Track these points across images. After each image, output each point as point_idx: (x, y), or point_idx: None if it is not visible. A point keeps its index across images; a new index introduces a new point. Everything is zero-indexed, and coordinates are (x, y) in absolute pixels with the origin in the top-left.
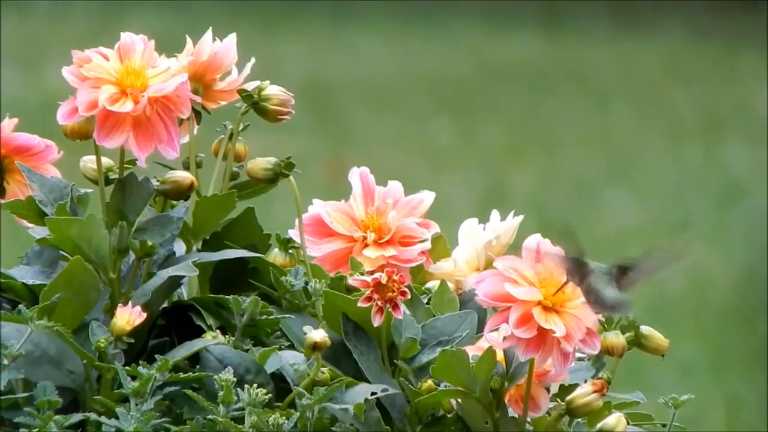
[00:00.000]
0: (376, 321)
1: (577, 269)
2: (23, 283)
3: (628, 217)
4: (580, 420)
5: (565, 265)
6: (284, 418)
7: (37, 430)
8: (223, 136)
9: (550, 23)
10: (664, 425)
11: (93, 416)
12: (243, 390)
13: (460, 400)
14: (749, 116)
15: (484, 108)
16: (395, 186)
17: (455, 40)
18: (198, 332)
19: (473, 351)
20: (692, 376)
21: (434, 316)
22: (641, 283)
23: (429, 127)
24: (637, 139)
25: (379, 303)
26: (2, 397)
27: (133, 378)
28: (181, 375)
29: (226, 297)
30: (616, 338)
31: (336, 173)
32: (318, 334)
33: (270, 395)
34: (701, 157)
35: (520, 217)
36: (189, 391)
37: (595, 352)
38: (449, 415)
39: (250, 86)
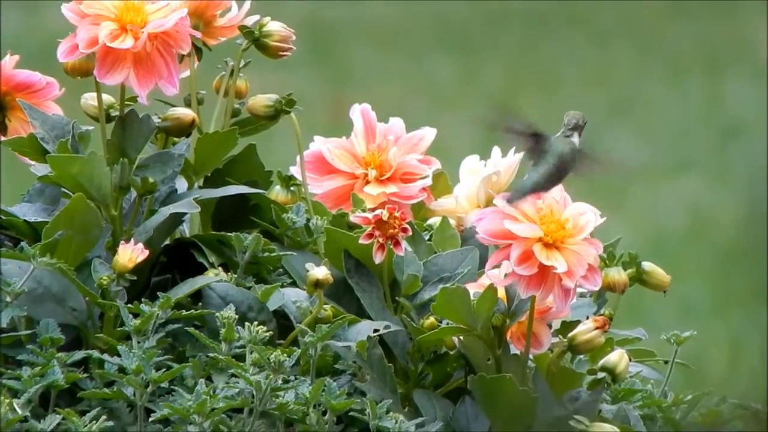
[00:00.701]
0: (378, 258)
1: (535, 140)
2: (25, 220)
3: (631, 155)
4: (582, 357)
5: (525, 140)
6: (285, 355)
7: (40, 367)
8: (224, 72)
9: None
10: (666, 362)
11: (95, 353)
12: (242, 328)
13: (461, 337)
14: (751, 54)
15: (485, 47)
16: (396, 123)
17: None
18: (200, 269)
19: (474, 288)
20: (694, 314)
21: (436, 252)
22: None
23: (429, 66)
24: (638, 78)
25: (381, 240)
26: (5, 335)
27: (136, 315)
28: (184, 312)
29: (228, 234)
30: (618, 274)
31: (336, 111)
32: (320, 272)
33: (272, 332)
34: (703, 95)
35: (521, 154)
36: (191, 329)
37: (597, 289)
38: (451, 353)
39: (251, 22)
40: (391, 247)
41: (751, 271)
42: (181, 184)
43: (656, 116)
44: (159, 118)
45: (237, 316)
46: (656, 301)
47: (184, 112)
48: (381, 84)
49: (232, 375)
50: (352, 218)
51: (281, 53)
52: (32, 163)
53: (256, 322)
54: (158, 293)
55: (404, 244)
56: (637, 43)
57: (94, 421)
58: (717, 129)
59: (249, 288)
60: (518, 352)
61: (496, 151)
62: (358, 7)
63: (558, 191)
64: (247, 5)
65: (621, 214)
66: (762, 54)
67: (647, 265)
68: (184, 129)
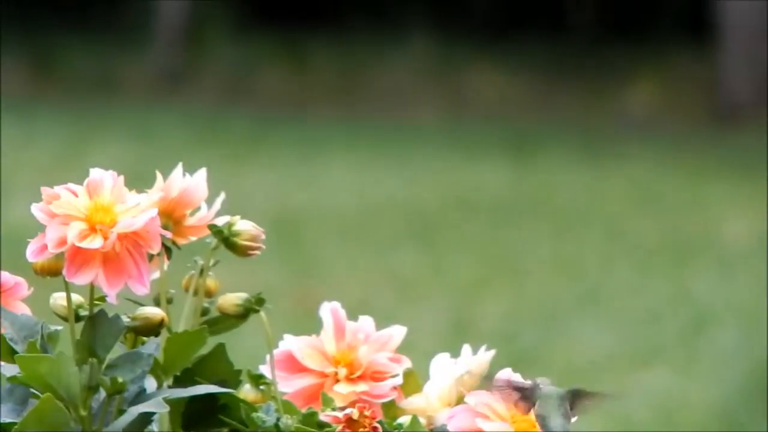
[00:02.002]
0: None
1: (526, 396)
2: None
3: (599, 346)
4: None
5: (515, 393)
6: None
7: None
8: (193, 271)
9: (517, 152)
10: None
11: None
12: None
13: None
14: (718, 245)
15: (451, 238)
16: (366, 321)
17: (421, 169)
18: None
19: None
20: None
21: None
22: (592, 408)
23: (395, 257)
24: (605, 268)
25: None
26: None
27: None
28: None
29: None
30: None
31: (302, 302)
32: None
33: None
34: (670, 286)
35: (492, 352)
36: None
37: None
38: None
39: (221, 221)
40: None
41: None
42: (150, 384)
43: (624, 306)
44: (128, 317)
45: None
46: None
47: (153, 312)
48: (347, 275)
49: None
50: (322, 417)
51: (251, 252)
52: (1, 363)
53: None
54: None
55: None
56: (604, 233)
57: None
58: (684, 321)
59: None
60: None
61: (466, 348)
62: (323, 196)
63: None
64: (216, 205)
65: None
66: (730, 245)
67: None
68: (153, 328)
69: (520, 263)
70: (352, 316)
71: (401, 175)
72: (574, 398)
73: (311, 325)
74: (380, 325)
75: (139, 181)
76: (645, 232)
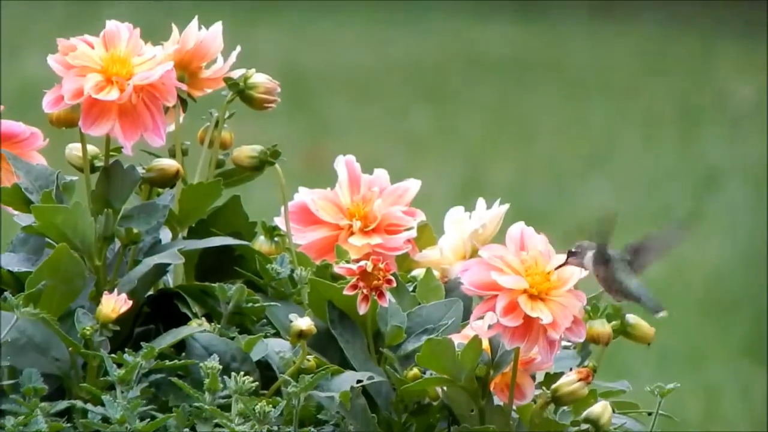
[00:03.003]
0: (362, 309)
1: (603, 260)
2: (9, 270)
3: (607, 205)
4: (566, 408)
5: (593, 257)
6: (271, 405)
7: (23, 417)
8: (208, 124)
9: (527, 14)
10: (649, 414)
11: (79, 403)
12: (229, 378)
13: (445, 388)
14: (726, 107)
15: (462, 98)
16: (381, 174)
17: (432, 30)
18: (184, 320)
19: (459, 339)
20: (671, 364)
21: (420, 304)
22: (654, 263)
23: (406, 116)
24: (615, 129)
25: (365, 291)
26: None
27: (119, 365)
28: (167, 362)
29: (212, 285)
30: (602, 327)
31: (311, 161)
32: (304, 322)
33: (256, 383)
34: (679, 147)
35: (506, 206)
36: (175, 379)
37: (581, 340)
38: (435, 403)
39: (236, 74)
40: (376, 298)
41: (728, 322)
42: (165, 235)
43: (632, 168)
44: (143, 168)
45: (221, 367)
46: (632, 350)
47: (169, 163)
48: (357, 133)
49: (216, 425)
50: (337, 269)
51: (266, 105)
52: (16, 213)
53: (241, 373)
54: (142, 343)
55: (388, 295)
56: (613, 95)
57: None
58: (692, 181)
59: (232, 338)
60: (502, 404)
61: (480, 203)
62: (334, 56)
63: (543, 243)
64: (232, 57)
65: None
66: (737, 107)
67: (631, 318)
68: (168, 180)
69: (529, 124)
70: (366, 172)
71: (412, 34)
72: (634, 255)
73: (320, 185)
74: (392, 181)
75: (152, 36)
76: (655, 93)
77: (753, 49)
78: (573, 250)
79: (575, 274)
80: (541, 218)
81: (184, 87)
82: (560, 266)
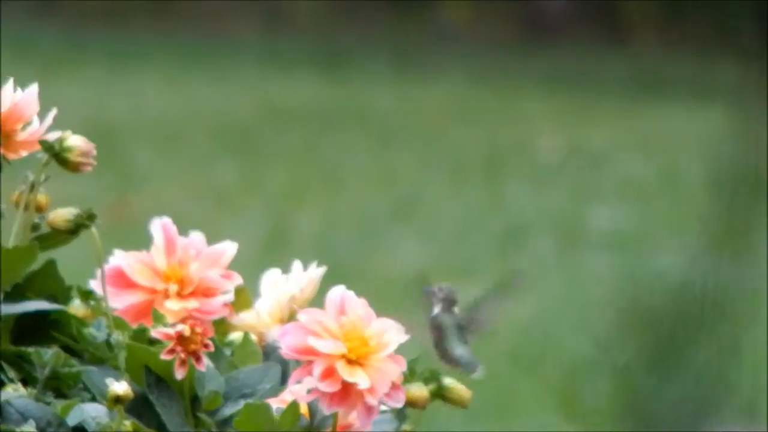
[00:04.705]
0: (180, 374)
1: (434, 328)
2: None
3: (413, 258)
4: None
5: (429, 323)
6: None
7: None
8: (24, 186)
9: (330, 65)
10: None
11: None
12: None
13: None
14: (530, 158)
15: (267, 149)
16: (197, 237)
17: (237, 82)
18: None
19: (277, 404)
20: (480, 420)
21: (237, 368)
22: (489, 323)
23: (212, 169)
24: (420, 179)
25: (182, 355)
26: None
27: None
28: None
29: (28, 349)
30: (419, 390)
31: (119, 214)
32: (120, 387)
33: None
34: (484, 197)
35: (323, 269)
36: None
37: (400, 406)
38: None
39: (52, 137)
40: (193, 362)
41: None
42: None
43: (438, 218)
44: None
45: None
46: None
47: None
48: (164, 187)
49: None
50: (154, 333)
51: (82, 167)
52: None
53: None
54: None
55: (206, 359)
56: (418, 145)
57: None
58: (498, 233)
59: (48, 404)
60: None
61: (297, 265)
62: (139, 108)
63: (363, 307)
64: (48, 120)
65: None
66: (541, 158)
67: (448, 381)
68: None
69: (335, 174)
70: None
71: (217, 87)
72: (468, 324)
73: (129, 238)
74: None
75: None
76: (460, 144)
77: (557, 100)
78: (428, 290)
79: (394, 340)
80: (350, 271)
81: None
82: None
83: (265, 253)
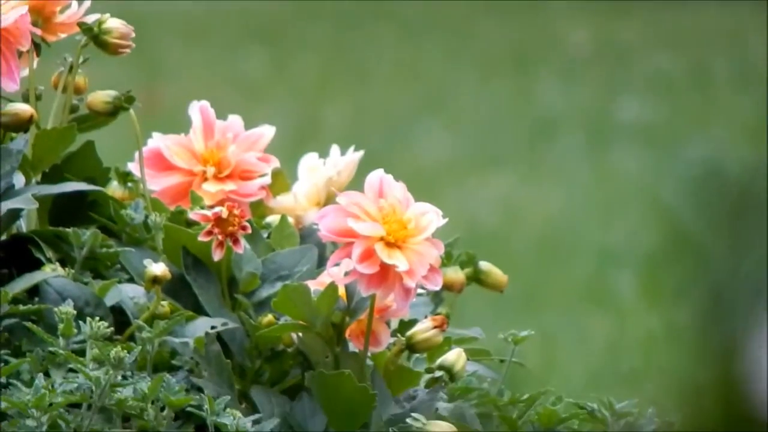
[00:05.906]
0: (217, 255)
1: None
2: None
3: (441, 151)
4: (420, 355)
5: None
6: (125, 351)
7: None
8: (62, 68)
9: None
10: (502, 361)
11: None
12: (83, 323)
13: (300, 335)
14: (560, 51)
15: (295, 43)
16: (235, 120)
17: None
18: (37, 265)
19: (315, 286)
20: (507, 311)
21: (274, 251)
22: None
23: (241, 59)
24: (449, 72)
25: (220, 237)
26: None
27: None
28: (20, 307)
29: (66, 230)
30: (456, 274)
31: (147, 103)
32: (158, 268)
33: (111, 328)
34: (513, 90)
35: (361, 153)
36: (29, 323)
37: (438, 288)
38: (289, 350)
39: (90, 19)
40: (230, 244)
41: (562, 269)
42: (19, 180)
43: (467, 111)
44: None
45: (75, 312)
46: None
47: (23, 108)
48: (192, 77)
49: (70, 370)
50: (191, 215)
51: (120, 50)
52: None
53: (96, 318)
54: None
55: (243, 241)
56: (446, 38)
57: None
58: (527, 126)
59: (86, 283)
60: (357, 350)
61: (335, 149)
62: (167, 3)
63: (401, 191)
64: (87, 3)
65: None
66: (571, 52)
67: (484, 265)
68: (22, 124)
69: (364, 67)
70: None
71: None
72: None
73: (155, 128)
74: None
75: None
76: (489, 37)
77: None
78: None
79: (433, 222)
80: (378, 161)
81: (39, 32)
82: None
83: (294, 144)
